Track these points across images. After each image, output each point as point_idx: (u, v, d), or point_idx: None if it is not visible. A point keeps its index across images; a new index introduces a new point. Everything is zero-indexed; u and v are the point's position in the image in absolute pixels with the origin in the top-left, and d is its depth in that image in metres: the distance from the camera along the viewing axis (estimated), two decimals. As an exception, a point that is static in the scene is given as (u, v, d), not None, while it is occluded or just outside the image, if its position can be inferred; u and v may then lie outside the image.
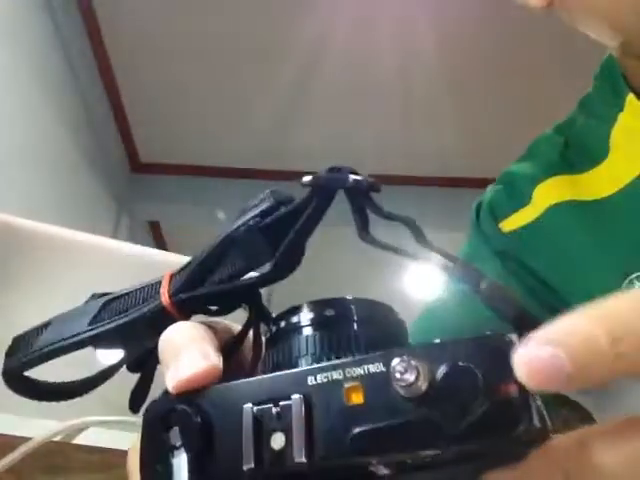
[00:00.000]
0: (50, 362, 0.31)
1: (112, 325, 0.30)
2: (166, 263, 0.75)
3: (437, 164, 3.00)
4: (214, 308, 0.31)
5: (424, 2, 2.29)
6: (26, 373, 0.32)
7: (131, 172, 3.15)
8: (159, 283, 0.30)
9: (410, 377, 0.20)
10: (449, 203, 2.95)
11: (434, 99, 2.66)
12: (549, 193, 0.53)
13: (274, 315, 0.28)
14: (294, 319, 0.26)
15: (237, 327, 0.32)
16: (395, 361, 0.20)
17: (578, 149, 0.53)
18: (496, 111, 2.70)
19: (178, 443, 0.23)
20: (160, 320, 0.29)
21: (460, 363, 0.20)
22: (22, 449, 0.52)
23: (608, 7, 0.43)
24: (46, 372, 0.31)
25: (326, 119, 2.81)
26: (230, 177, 3.13)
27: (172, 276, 0.30)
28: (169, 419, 0.23)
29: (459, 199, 3.14)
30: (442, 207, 2.95)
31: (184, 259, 0.75)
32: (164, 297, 0.29)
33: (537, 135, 0.59)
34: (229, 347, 0.30)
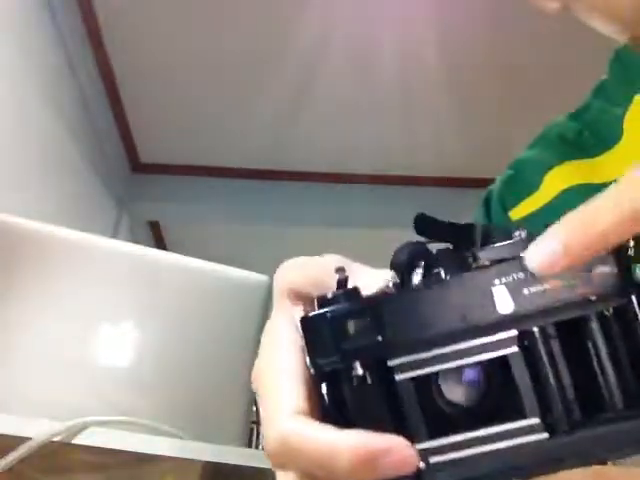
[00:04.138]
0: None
1: None
2: (166, 263, 0.75)
3: (437, 164, 3.00)
4: None
5: (424, 2, 2.29)
6: None
7: (131, 172, 3.15)
8: None
9: None
10: (449, 203, 2.95)
11: (434, 99, 2.66)
12: (561, 178, 0.53)
13: None
14: None
15: None
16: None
17: (593, 133, 0.54)
18: (496, 111, 2.70)
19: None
20: None
21: None
22: (22, 449, 0.52)
23: (609, 6, 0.44)
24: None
25: (326, 119, 2.81)
26: (230, 177, 3.13)
27: None
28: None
29: (459, 199, 3.14)
30: (442, 207, 2.95)
31: (184, 259, 0.75)
32: None
33: (537, 132, 0.59)
34: None
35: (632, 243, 0.24)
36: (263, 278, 0.76)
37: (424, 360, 0.26)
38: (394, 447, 0.25)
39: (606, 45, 0.51)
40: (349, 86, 2.65)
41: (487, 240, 0.28)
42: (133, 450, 0.55)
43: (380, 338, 0.27)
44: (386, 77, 2.58)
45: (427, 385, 0.27)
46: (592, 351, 0.25)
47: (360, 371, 0.27)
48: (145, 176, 3.17)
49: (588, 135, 0.54)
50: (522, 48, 2.41)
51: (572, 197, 0.52)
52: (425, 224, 0.29)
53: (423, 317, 0.26)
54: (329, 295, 0.28)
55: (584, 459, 0.25)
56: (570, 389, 0.25)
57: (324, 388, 0.27)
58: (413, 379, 0.27)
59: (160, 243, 3.50)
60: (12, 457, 0.51)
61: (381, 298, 0.27)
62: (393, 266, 0.29)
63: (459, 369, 0.26)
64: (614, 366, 0.24)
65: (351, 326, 0.27)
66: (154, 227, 3.44)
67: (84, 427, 0.55)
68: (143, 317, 0.70)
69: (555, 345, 0.25)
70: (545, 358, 0.25)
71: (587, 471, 0.25)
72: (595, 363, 0.25)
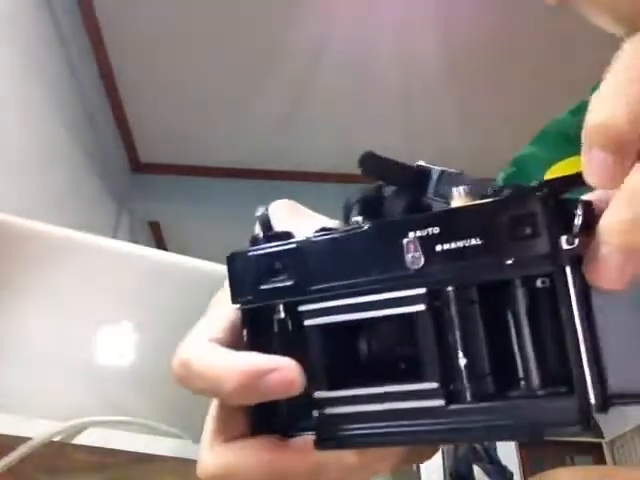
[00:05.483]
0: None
1: None
2: (166, 263, 0.75)
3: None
4: None
5: (424, 2, 2.29)
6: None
7: (131, 172, 3.15)
8: None
9: None
10: (449, 203, 2.94)
11: (434, 99, 2.65)
12: (564, 173, 0.54)
13: None
14: None
15: None
16: None
17: None
18: (497, 111, 2.70)
19: None
20: None
21: None
22: (22, 449, 0.52)
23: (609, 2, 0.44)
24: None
25: (326, 119, 2.81)
26: (230, 177, 3.13)
27: None
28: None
29: (459, 199, 3.14)
30: (442, 207, 2.95)
31: (184, 259, 0.75)
32: None
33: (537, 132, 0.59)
34: None
35: (580, 219, 0.22)
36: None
37: (331, 308, 0.26)
38: (278, 366, 0.25)
39: (607, 41, 0.51)
40: (349, 86, 2.65)
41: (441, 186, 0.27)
42: (133, 450, 0.55)
43: (293, 281, 0.26)
44: (386, 77, 2.58)
45: (335, 335, 0.26)
46: (512, 322, 0.23)
47: (282, 315, 0.27)
48: (145, 176, 3.17)
49: None
50: (523, 48, 2.41)
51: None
52: (372, 162, 0.27)
53: (335, 265, 0.26)
54: (260, 235, 0.28)
55: (480, 435, 0.24)
56: (482, 358, 0.23)
57: (245, 330, 0.27)
58: (321, 326, 0.26)
59: (160, 243, 3.50)
60: (12, 457, 0.51)
61: (300, 243, 0.27)
62: (344, 209, 0.29)
63: (370, 323, 0.25)
64: (535, 341, 0.23)
65: (268, 267, 0.27)
66: (154, 227, 3.44)
67: (84, 427, 0.55)
68: (143, 317, 0.70)
69: (473, 310, 0.23)
70: (457, 321, 0.23)
71: (592, 470, 0.25)
72: (515, 336, 0.23)
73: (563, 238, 0.22)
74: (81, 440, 0.55)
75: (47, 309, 0.66)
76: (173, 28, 2.42)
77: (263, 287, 0.27)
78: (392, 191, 0.28)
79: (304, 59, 2.50)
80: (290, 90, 2.63)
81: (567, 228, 0.22)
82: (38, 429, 0.53)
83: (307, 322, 0.26)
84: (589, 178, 0.22)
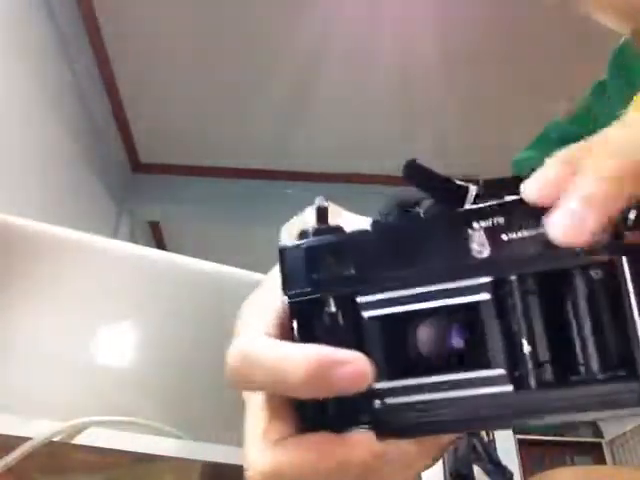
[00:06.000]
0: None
1: None
2: (166, 263, 0.75)
3: (437, 164, 2.99)
4: None
5: (424, 2, 2.29)
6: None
7: (131, 172, 3.15)
8: None
9: None
10: (449, 203, 2.94)
11: (435, 99, 2.65)
12: None
13: None
14: None
15: None
16: None
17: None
18: (497, 111, 2.70)
19: None
20: None
21: None
22: (22, 449, 0.52)
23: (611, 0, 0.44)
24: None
25: (326, 119, 2.81)
26: (230, 177, 3.13)
27: None
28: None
29: (459, 199, 3.13)
30: (442, 207, 2.94)
31: (184, 259, 0.75)
32: None
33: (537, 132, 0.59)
34: None
35: (634, 214, 0.23)
36: (263, 278, 0.75)
37: (392, 300, 0.26)
38: (349, 359, 0.24)
39: (607, 41, 0.51)
40: (349, 86, 2.65)
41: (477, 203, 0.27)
42: (133, 450, 0.54)
43: (351, 272, 0.26)
44: (386, 77, 2.58)
45: (394, 325, 0.26)
46: (571, 310, 0.24)
47: (333, 308, 0.26)
48: (145, 176, 3.17)
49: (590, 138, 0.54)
50: (524, 48, 2.41)
51: None
52: (415, 171, 0.27)
53: (395, 255, 0.26)
54: (310, 229, 0.28)
55: (545, 419, 0.24)
56: (544, 345, 0.24)
57: (295, 323, 0.27)
58: (380, 317, 0.26)
59: (160, 243, 3.50)
60: (12, 457, 0.51)
61: (356, 234, 0.27)
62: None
63: (429, 314, 0.25)
64: (594, 328, 0.23)
65: (324, 258, 0.27)
66: (154, 227, 3.44)
67: (84, 427, 0.55)
68: (143, 317, 0.70)
69: (533, 299, 0.24)
70: (520, 310, 0.24)
71: (592, 470, 0.25)
72: (574, 323, 0.24)
73: (621, 230, 0.23)
74: (81, 440, 0.55)
75: (47, 309, 0.66)
76: (173, 28, 2.42)
77: (322, 278, 0.27)
78: (430, 203, 0.28)
79: (304, 59, 2.49)
80: (290, 90, 2.63)
81: (624, 222, 0.23)
82: (38, 429, 0.53)
83: (366, 313, 0.26)
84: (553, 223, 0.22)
